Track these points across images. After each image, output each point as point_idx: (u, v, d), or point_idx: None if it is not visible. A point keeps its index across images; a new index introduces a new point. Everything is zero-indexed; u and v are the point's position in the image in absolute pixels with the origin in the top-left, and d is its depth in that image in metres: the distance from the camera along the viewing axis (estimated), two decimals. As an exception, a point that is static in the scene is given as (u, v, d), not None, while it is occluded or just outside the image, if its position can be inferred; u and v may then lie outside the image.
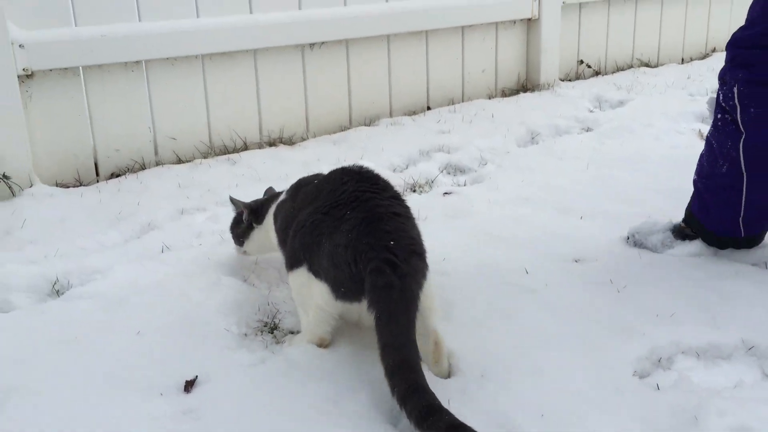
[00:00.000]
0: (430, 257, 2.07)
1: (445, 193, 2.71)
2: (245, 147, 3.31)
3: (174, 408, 1.49)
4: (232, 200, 2.10)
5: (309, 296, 1.63)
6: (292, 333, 1.80)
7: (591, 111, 3.83)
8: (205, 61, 3.18)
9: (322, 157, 3.14)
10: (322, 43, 3.47)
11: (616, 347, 1.69)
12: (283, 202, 1.91)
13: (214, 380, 1.57)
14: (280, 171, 2.98)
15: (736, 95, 1.93)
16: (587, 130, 3.53)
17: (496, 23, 4.08)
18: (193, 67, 3.15)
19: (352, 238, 1.52)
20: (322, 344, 1.66)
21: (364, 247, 1.50)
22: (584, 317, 1.81)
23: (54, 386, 1.56)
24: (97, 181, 2.96)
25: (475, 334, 1.73)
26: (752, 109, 1.91)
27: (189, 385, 1.56)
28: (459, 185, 2.84)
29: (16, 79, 2.68)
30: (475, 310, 1.84)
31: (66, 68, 2.83)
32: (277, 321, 1.85)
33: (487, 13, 3.98)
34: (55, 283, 2.08)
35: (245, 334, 1.78)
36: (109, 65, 2.93)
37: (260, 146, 3.35)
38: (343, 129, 3.59)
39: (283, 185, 2.74)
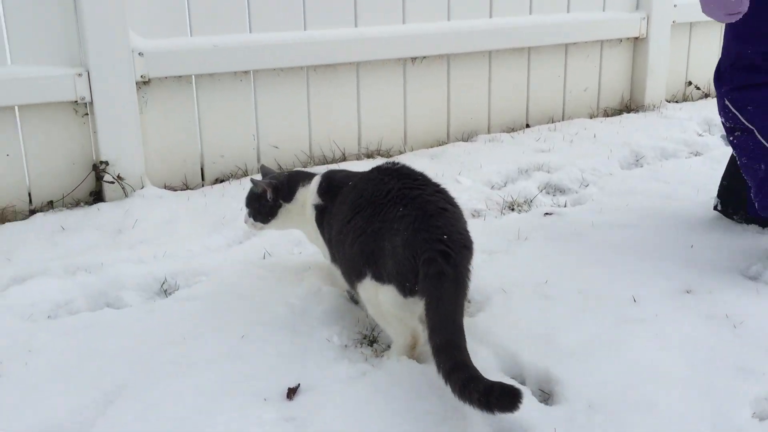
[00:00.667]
0: (531, 278, 2.04)
1: (546, 214, 2.65)
2: (344, 158, 3.35)
3: (277, 414, 1.51)
4: (253, 181, 2.06)
5: (384, 303, 1.65)
6: (390, 346, 1.80)
7: (700, 135, 3.66)
8: (310, 72, 3.24)
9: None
10: (424, 57, 3.47)
11: (733, 386, 1.60)
12: (321, 207, 1.92)
13: (316, 389, 1.58)
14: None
15: (730, 106, 2.16)
16: (696, 155, 3.38)
17: (602, 41, 3.98)
18: (298, 78, 3.22)
19: (408, 236, 1.59)
20: (415, 345, 1.69)
21: (420, 242, 1.58)
22: (697, 352, 1.72)
23: (163, 386, 1.61)
24: (203, 186, 3.06)
25: (581, 363, 1.67)
26: (750, 107, 2.12)
27: (291, 393, 1.57)
28: (559, 206, 2.77)
29: (135, 85, 2.81)
30: (581, 338, 1.78)
31: (180, 76, 2.95)
32: (376, 334, 1.85)
33: (592, 31, 3.89)
34: (163, 283, 2.16)
35: (345, 346, 1.78)
36: (220, 74, 3.03)
37: (358, 158, 3.38)
38: (440, 143, 3.58)
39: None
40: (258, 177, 2.16)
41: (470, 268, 1.63)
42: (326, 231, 1.89)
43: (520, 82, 3.79)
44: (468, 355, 1.47)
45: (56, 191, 2.78)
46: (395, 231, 1.61)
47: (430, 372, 1.61)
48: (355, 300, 1.96)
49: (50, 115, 2.73)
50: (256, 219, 2.07)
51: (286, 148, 3.24)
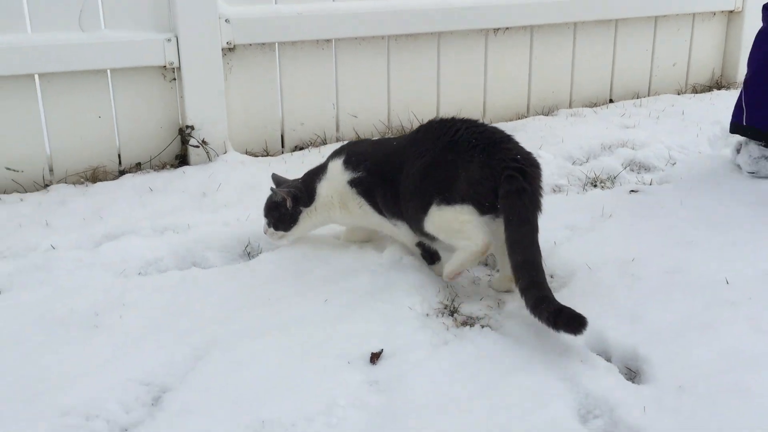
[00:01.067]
0: (617, 256, 1.99)
1: (632, 191, 2.57)
2: (421, 129, 3.33)
3: (361, 377, 1.53)
4: (273, 189, 2.08)
5: (455, 221, 1.77)
6: (471, 317, 1.79)
7: (796, 114, 3.47)
8: (391, 42, 3.22)
9: (498, 144, 3.09)
10: (507, 28, 3.40)
11: (833, 375, 1.52)
12: (360, 178, 1.97)
13: (398, 356, 1.59)
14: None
15: None
16: (792, 134, 3.20)
17: (694, 14, 3.81)
18: (379, 48, 3.20)
19: (485, 159, 1.75)
20: (487, 249, 1.79)
21: (498, 162, 1.73)
22: (795, 338, 1.65)
23: (249, 345, 1.65)
24: (282, 153, 3.10)
25: (671, 344, 1.62)
26: None
27: (375, 357, 1.59)
28: (645, 183, 2.69)
29: (221, 51, 2.86)
30: (670, 318, 1.72)
31: (264, 43, 2.98)
32: (456, 305, 1.84)
33: (685, 4, 3.72)
34: (246, 246, 2.20)
35: (427, 315, 1.78)
36: (302, 42, 3.04)
37: (436, 129, 3.35)
38: (519, 117, 3.51)
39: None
40: (279, 181, 2.17)
41: (542, 186, 1.79)
42: (380, 197, 1.95)
43: (605, 56, 3.67)
44: (544, 274, 1.66)
45: (144, 153, 2.87)
46: (469, 159, 1.76)
47: (519, 349, 1.61)
48: (430, 255, 2.00)
49: (140, 80, 2.80)
50: (277, 228, 2.07)
51: (364, 118, 3.25)
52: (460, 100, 3.40)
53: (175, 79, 2.85)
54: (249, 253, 2.19)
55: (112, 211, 2.46)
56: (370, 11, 3.09)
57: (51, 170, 2.73)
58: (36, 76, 2.64)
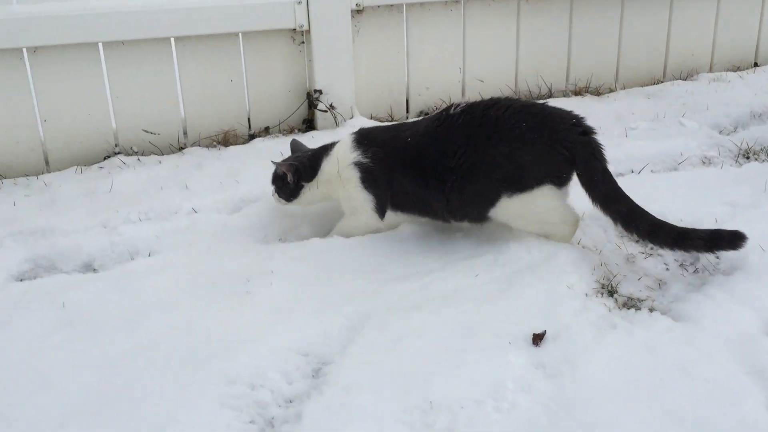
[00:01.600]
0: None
1: (794, 164, 2.37)
2: (550, 94, 3.19)
3: (527, 359, 1.46)
4: (274, 163, 2.11)
5: (537, 206, 1.80)
6: (632, 299, 1.69)
7: None
8: (521, 2, 3.07)
9: (636, 111, 2.92)
10: (646, -15, 3.19)
11: None
12: (366, 164, 1.95)
13: (564, 338, 1.52)
14: (591, 123, 2.80)
15: None
16: None
17: None
18: (508, 9, 3.06)
19: (551, 135, 1.78)
20: (577, 223, 1.89)
21: (564, 133, 1.78)
22: None
23: (405, 320, 1.61)
24: (407, 118, 3.03)
25: None
26: None
27: (538, 339, 1.52)
28: (806, 156, 2.47)
29: (350, 13, 2.80)
30: None
31: (392, 5, 2.89)
32: (615, 284, 1.74)
33: None
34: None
35: (586, 294, 1.69)
36: (431, 3, 2.94)
37: (565, 94, 3.20)
38: (655, 82, 3.31)
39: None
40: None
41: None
42: (390, 183, 1.94)
43: (751, 14, 3.38)
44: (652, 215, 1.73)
45: (272, 118, 2.87)
46: (530, 142, 1.78)
47: (690, 332, 1.50)
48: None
49: (269, 43, 2.79)
50: (280, 197, 2.10)
51: (490, 82, 3.13)
52: (592, 64, 3.23)
53: (303, 42, 2.82)
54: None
55: (247, 176, 2.47)
56: (502, -31, 2.95)
57: (185, 133, 2.77)
58: (172, 40, 2.67)
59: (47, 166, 2.60)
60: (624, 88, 3.25)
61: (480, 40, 3.07)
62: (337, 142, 2.10)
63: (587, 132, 1.82)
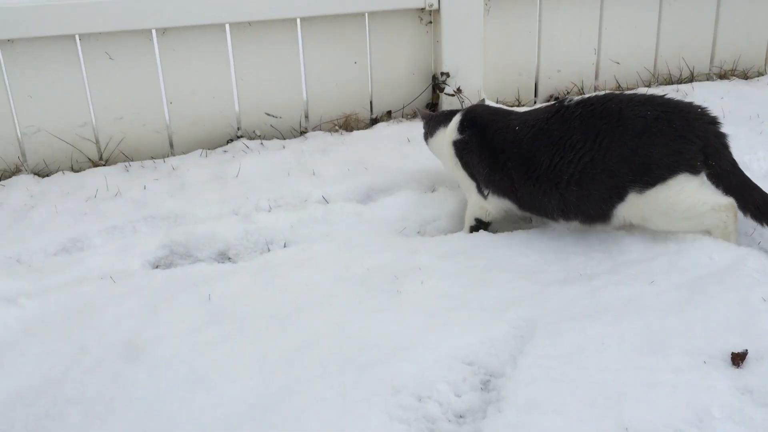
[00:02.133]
0: None
1: None
2: (692, 77, 2.94)
3: (729, 383, 1.29)
4: (419, 111, 2.27)
5: (675, 198, 1.66)
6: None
7: None
8: (665, -23, 2.83)
9: (797, 97, 2.64)
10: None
11: None
12: (462, 141, 1.93)
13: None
14: (746, 111, 2.56)
15: None
16: None
17: None
18: (651, -16, 2.83)
19: (682, 125, 1.67)
20: (733, 205, 1.73)
21: (695, 122, 1.69)
22: None
23: (581, 331, 1.46)
24: (535, 103, 2.86)
25: None
26: None
27: (738, 359, 1.34)
28: None
29: (481, -9, 2.64)
30: None
31: (526, -18, 2.72)
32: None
33: None
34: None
35: (784, 308, 1.49)
36: (567, -21, 2.74)
37: (709, 77, 2.95)
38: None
39: (745, 128, 2.37)
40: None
41: None
42: (480, 165, 1.88)
43: None
44: None
45: (395, 101, 2.75)
46: (658, 133, 1.66)
47: None
48: None
49: (396, 24, 2.66)
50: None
51: (627, 64, 2.90)
52: (740, 44, 2.96)
53: (431, 22, 2.68)
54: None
55: (375, 163, 2.36)
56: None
57: (306, 117, 2.68)
58: (298, 20, 2.57)
59: (171, 149, 2.56)
60: (774, 76, 2.96)
61: (618, 19, 2.84)
62: (454, 116, 2.02)
63: (715, 122, 1.72)
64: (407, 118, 2.72)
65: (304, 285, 1.68)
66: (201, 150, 2.52)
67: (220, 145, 2.57)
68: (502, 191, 1.85)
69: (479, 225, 1.94)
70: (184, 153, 2.53)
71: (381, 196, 2.17)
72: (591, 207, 1.72)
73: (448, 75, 2.68)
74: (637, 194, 1.66)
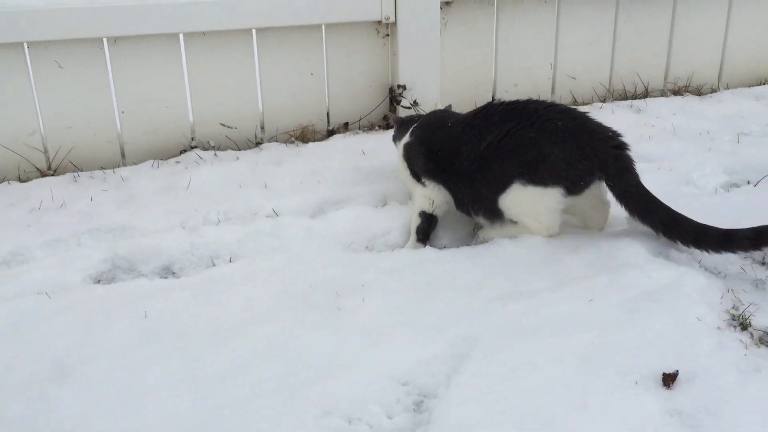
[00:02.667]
0: None
1: None
2: (646, 93, 2.97)
3: (658, 404, 1.30)
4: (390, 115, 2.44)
5: (538, 203, 1.79)
6: (766, 333, 1.51)
7: None
8: (620, -7, 2.87)
9: (745, 114, 2.69)
10: (758, -23, 2.93)
11: None
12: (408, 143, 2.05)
13: (700, 380, 1.34)
14: (697, 127, 2.60)
15: None
16: None
17: None
18: (607, 3, 2.87)
19: (584, 139, 1.77)
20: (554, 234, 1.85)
21: (600, 143, 1.78)
22: None
23: (516, 347, 1.46)
24: (492, 116, 2.87)
25: None
26: None
27: (669, 380, 1.35)
28: None
29: (439, 5, 2.64)
30: None
31: (483, -4, 2.73)
32: (746, 315, 1.55)
33: None
34: (474, 226, 2.01)
35: (718, 328, 1.51)
36: (524, -6, 2.77)
37: (663, 93, 2.99)
38: (763, 82, 3.06)
39: (694, 144, 2.40)
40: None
41: None
42: (423, 162, 1.97)
43: None
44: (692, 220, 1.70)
45: (352, 113, 2.74)
46: (562, 139, 1.75)
47: None
48: (424, 231, 1.95)
49: (352, 36, 2.66)
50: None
51: (583, 79, 2.93)
52: (694, 62, 3.01)
53: (388, 35, 2.68)
54: (475, 228, 2.00)
55: (328, 175, 2.35)
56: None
57: (262, 128, 2.67)
58: (254, 31, 2.56)
59: (123, 159, 2.53)
60: (728, 88, 3.01)
61: (574, 35, 2.87)
62: (414, 123, 2.12)
63: (621, 147, 1.79)
64: (364, 130, 2.72)
65: (245, 301, 1.66)
66: (153, 160, 2.49)
67: (173, 156, 2.54)
68: (438, 179, 1.95)
69: (425, 223, 1.95)
70: (135, 163, 2.50)
71: (333, 209, 2.15)
72: (485, 195, 1.83)
73: (404, 87, 2.68)
74: (520, 186, 1.77)
